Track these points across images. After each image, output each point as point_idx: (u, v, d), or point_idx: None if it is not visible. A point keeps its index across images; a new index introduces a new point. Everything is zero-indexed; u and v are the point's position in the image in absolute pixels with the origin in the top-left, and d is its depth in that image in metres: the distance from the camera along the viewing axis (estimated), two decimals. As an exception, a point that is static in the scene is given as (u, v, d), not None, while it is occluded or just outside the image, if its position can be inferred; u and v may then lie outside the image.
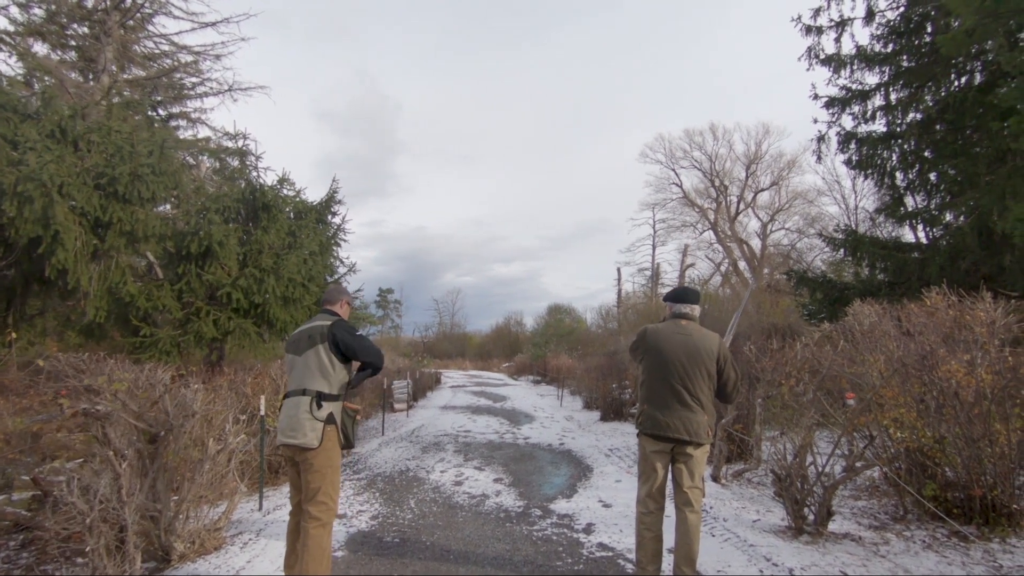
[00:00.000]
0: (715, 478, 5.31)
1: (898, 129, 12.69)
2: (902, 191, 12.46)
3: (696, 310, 3.27)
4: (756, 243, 35.87)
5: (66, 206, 5.35)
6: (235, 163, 7.75)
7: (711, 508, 4.59)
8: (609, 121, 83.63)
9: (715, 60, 75.05)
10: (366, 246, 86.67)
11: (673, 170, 38.84)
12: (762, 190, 36.41)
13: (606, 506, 4.91)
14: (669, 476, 3.22)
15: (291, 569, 2.95)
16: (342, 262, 10.28)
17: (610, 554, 3.76)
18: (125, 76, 15.71)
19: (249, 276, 6.18)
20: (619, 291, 36.92)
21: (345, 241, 10.29)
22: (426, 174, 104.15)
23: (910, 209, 11.84)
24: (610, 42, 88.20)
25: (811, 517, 3.91)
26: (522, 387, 23.15)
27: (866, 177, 13.80)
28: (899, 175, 12.72)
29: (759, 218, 36.15)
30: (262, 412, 4.85)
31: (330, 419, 2.90)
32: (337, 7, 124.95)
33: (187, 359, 6.39)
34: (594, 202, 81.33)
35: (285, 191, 7.95)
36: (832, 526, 3.95)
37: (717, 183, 37.86)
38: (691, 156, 38.14)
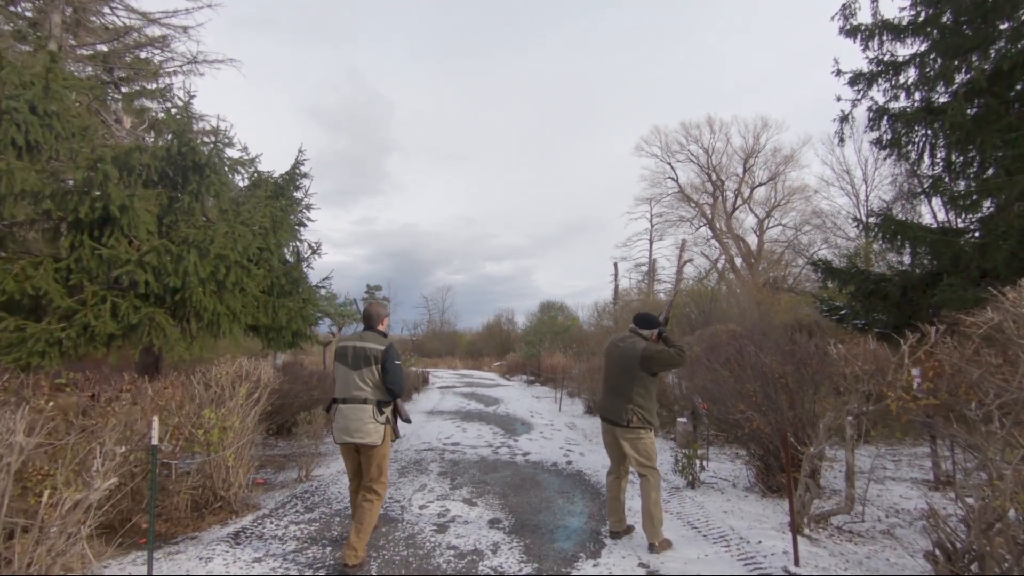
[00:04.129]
0: (798, 528, 3.83)
1: (936, 103, 11.42)
2: (944, 170, 11.16)
3: (643, 331, 4.14)
4: (752, 239, 34.79)
5: None
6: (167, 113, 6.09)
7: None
8: (600, 118, 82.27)
9: (708, 57, 73.91)
10: (356, 244, 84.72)
11: (669, 164, 37.61)
12: (759, 185, 35.27)
13: (652, 574, 3.44)
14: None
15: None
16: (309, 245, 8.75)
17: None
18: (85, 52, 14.01)
19: (162, 251, 4.62)
20: (616, 287, 35.57)
21: (311, 220, 8.78)
22: (417, 172, 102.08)
23: (957, 191, 10.45)
24: (602, 40, 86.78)
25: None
26: (515, 388, 21.65)
27: (899, 157, 12.52)
28: (940, 153, 11.45)
29: (755, 214, 35.03)
30: (154, 441, 3.32)
31: (387, 420, 3.70)
32: (326, 4, 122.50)
33: (83, 360, 4.82)
34: (585, 200, 79.77)
35: (235, 154, 6.39)
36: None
37: (714, 178, 36.66)
38: (687, 150, 36.94)
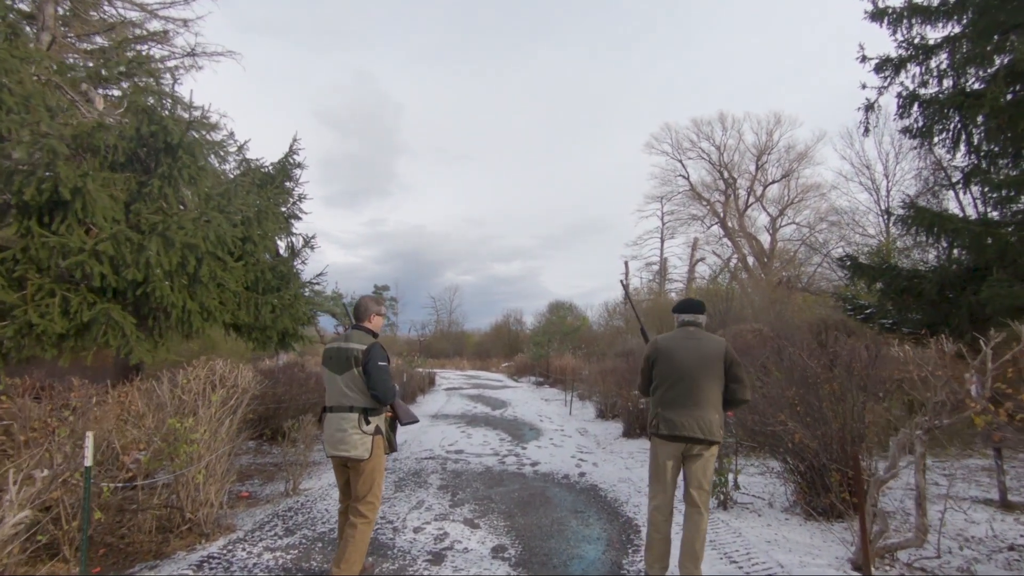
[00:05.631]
0: (859, 567, 3.20)
1: (970, 89, 10.72)
2: (978, 159, 10.45)
3: (701, 318, 3.47)
4: (765, 238, 33.96)
5: None
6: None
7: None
8: (609, 117, 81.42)
9: (720, 54, 72.87)
10: (365, 245, 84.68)
11: (680, 161, 36.87)
12: (772, 182, 34.44)
13: (689, 625, 2.83)
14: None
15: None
16: (303, 239, 8.22)
17: None
18: (85, 46, 13.63)
19: (121, 239, 4.06)
20: (626, 286, 34.87)
21: (305, 213, 8.24)
22: (426, 173, 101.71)
23: (999, 179, 9.68)
24: (612, 39, 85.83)
25: None
26: (524, 390, 21.04)
27: (930, 147, 11.82)
28: (976, 139, 10.74)
29: (768, 213, 34.21)
30: (87, 462, 2.75)
31: (377, 431, 3.25)
32: (336, 8, 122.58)
33: (41, 363, 4.26)
34: (594, 200, 79.02)
35: (217, 136, 5.84)
36: None
37: (726, 175, 35.86)
38: (699, 147, 36.19)
